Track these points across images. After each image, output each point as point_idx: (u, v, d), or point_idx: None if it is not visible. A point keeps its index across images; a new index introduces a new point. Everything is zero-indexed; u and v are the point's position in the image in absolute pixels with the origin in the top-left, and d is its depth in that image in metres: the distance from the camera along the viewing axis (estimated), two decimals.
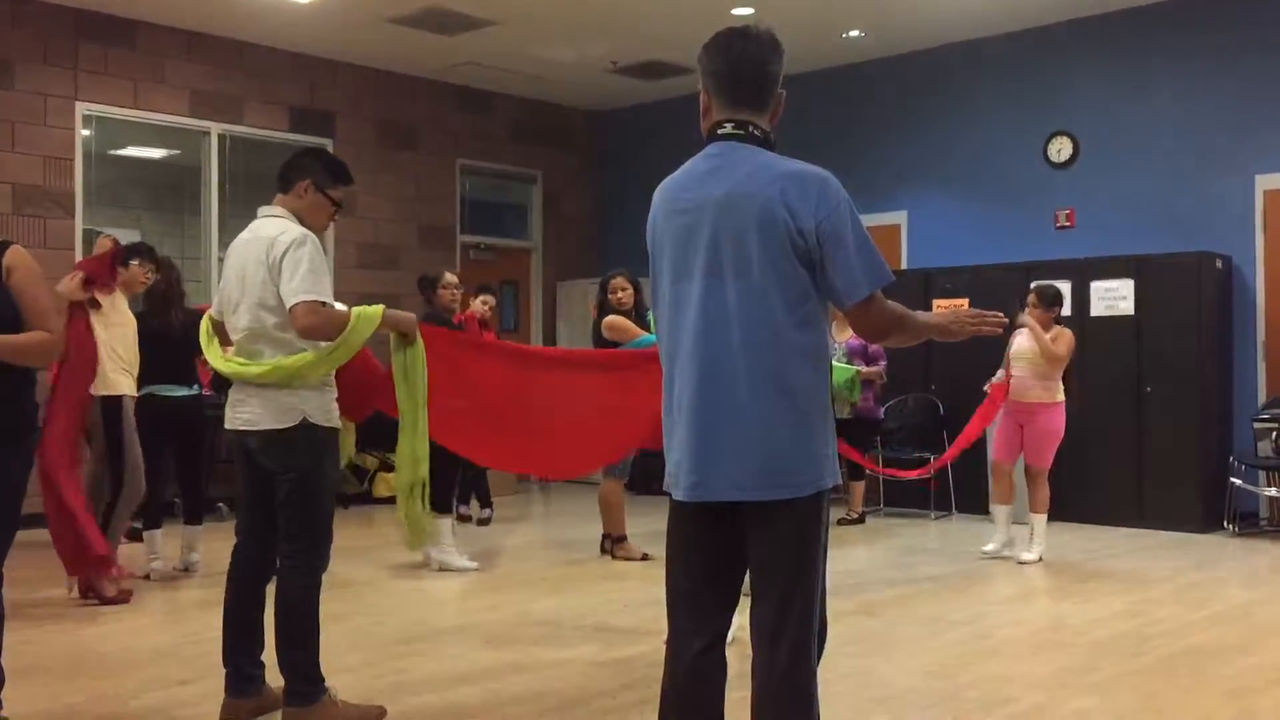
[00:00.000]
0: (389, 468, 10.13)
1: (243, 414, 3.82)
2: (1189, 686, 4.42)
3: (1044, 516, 7.19)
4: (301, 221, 3.86)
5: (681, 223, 2.66)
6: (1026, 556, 7.10)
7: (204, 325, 4.06)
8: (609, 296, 7.03)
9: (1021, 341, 7.32)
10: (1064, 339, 7.20)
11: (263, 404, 3.77)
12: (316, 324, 3.67)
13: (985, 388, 7.40)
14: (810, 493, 2.58)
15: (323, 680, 3.86)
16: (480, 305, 8.67)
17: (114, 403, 6.04)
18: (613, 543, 7.28)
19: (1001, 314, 2.91)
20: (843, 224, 2.54)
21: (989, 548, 7.28)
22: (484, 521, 8.86)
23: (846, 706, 4.09)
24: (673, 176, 2.74)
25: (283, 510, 3.81)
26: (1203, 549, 7.66)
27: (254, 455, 3.84)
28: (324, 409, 3.82)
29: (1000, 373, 7.36)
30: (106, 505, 6.03)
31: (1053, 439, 7.16)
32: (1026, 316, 7.18)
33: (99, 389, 5.89)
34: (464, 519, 8.68)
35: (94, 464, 6.43)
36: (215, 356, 3.95)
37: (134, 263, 6.27)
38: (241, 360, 3.83)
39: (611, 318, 6.89)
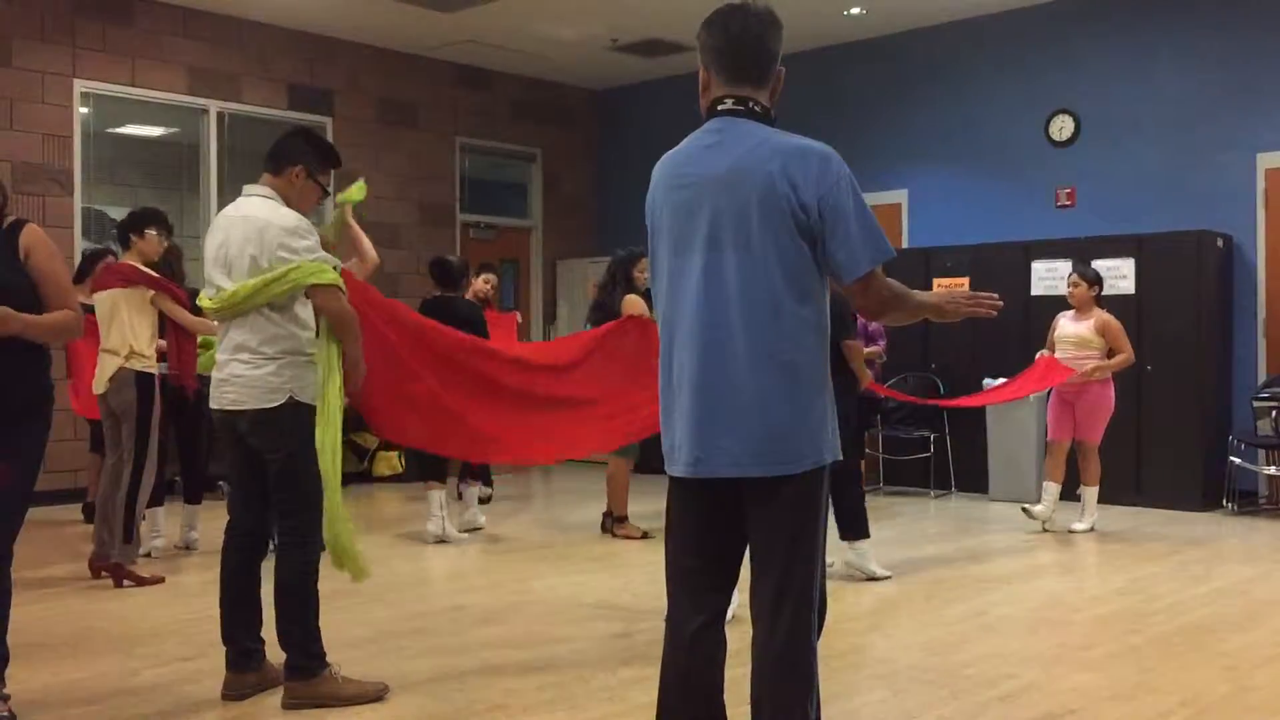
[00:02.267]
0: (389, 445, 10.16)
1: (229, 394, 3.84)
2: (1187, 663, 4.44)
3: (1095, 489, 7.47)
4: (288, 203, 3.89)
5: (682, 198, 2.65)
6: (1078, 526, 7.41)
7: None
8: (635, 274, 6.90)
9: (1065, 324, 7.48)
10: (1112, 330, 7.34)
11: (249, 384, 3.79)
12: (337, 310, 3.77)
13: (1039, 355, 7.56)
14: (810, 468, 2.58)
15: (323, 655, 3.89)
16: (482, 284, 8.68)
17: (149, 380, 5.89)
18: (613, 521, 7.28)
19: (997, 296, 2.90)
20: (845, 199, 2.54)
21: (1035, 509, 7.49)
22: (484, 500, 8.87)
23: (845, 683, 4.10)
24: (673, 152, 2.74)
25: (275, 489, 3.86)
26: (1201, 527, 7.68)
27: (243, 435, 3.87)
28: (310, 387, 3.82)
29: (1043, 353, 7.54)
30: (127, 495, 5.76)
31: (1103, 414, 7.38)
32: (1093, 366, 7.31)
33: (135, 365, 5.77)
34: (484, 500, 8.65)
35: (114, 459, 5.92)
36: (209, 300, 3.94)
37: (150, 231, 6.03)
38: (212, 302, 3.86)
39: (632, 296, 6.78)
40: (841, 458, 2.68)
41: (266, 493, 3.90)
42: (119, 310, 5.78)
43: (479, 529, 7.53)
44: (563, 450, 5.59)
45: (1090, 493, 7.46)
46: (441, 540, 6.91)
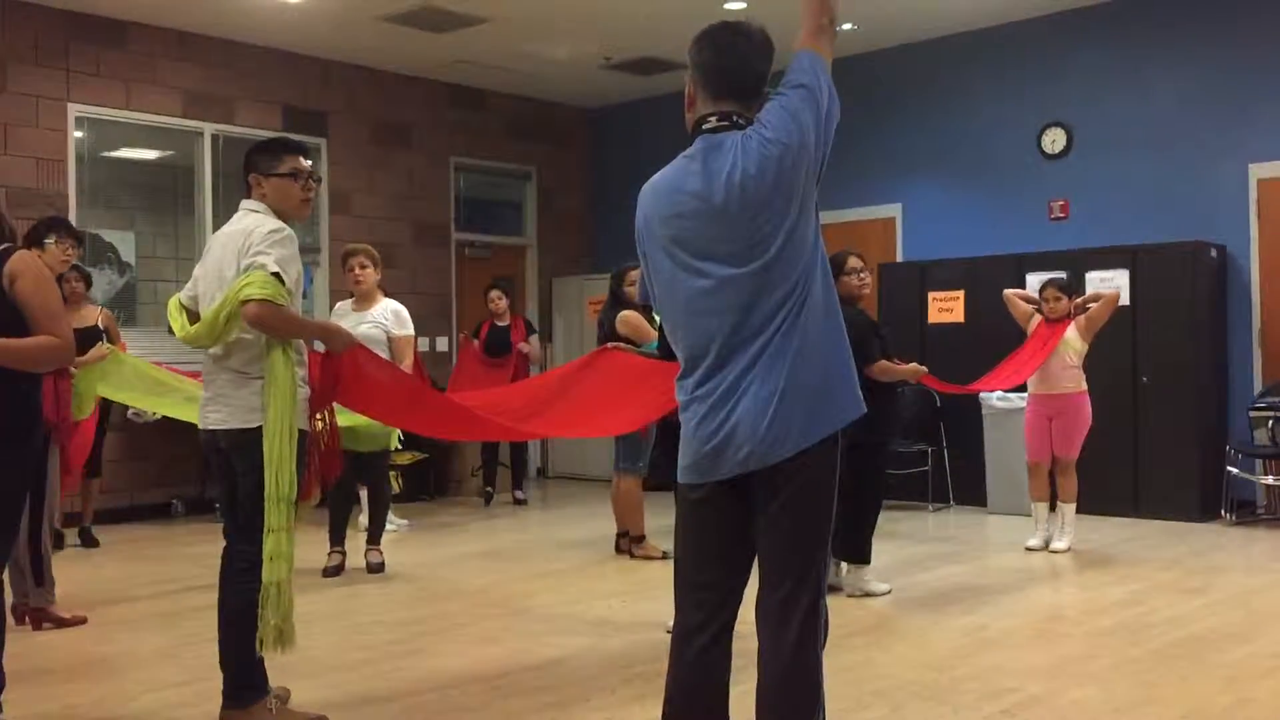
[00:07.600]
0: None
1: (212, 414, 3.83)
2: (1187, 675, 4.43)
3: (1073, 506, 7.28)
4: (278, 213, 3.90)
5: (677, 227, 2.65)
6: (1058, 545, 7.21)
7: (172, 305, 4.04)
8: (625, 288, 6.73)
9: (1045, 332, 7.38)
10: (1090, 320, 7.28)
11: (230, 403, 3.77)
12: (258, 318, 3.63)
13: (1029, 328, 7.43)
14: (824, 438, 2.58)
15: (263, 684, 3.82)
16: (496, 301, 9.40)
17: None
18: (631, 541, 7.06)
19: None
20: (785, 99, 2.63)
21: (1032, 543, 7.30)
22: (520, 501, 9.75)
23: (846, 699, 4.09)
24: (658, 180, 2.73)
25: (241, 509, 3.77)
26: (1200, 538, 7.67)
27: (226, 455, 3.82)
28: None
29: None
30: (30, 533, 4.99)
31: (1082, 428, 7.24)
32: (1076, 309, 7.27)
33: None
34: (520, 502, 9.76)
35: None
36: (180, 327, 3.92)
37: (49, 241, 5.40)
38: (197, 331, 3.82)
39: (628, 313, 6.69)
40: (858, 414, 2.66)
41: None
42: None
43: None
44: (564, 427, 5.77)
45: (1069, 510, 7.25)
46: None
